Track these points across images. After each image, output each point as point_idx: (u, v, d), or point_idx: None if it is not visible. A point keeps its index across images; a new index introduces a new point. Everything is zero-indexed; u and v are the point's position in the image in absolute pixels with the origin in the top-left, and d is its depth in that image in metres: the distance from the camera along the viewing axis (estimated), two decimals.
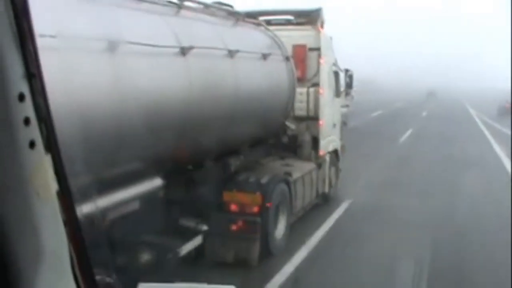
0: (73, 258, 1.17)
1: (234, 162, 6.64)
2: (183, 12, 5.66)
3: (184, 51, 4.95)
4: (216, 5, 6.93)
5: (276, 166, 7.94)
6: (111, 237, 3.71)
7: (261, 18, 8.67)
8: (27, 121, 1.02)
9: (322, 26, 9.04)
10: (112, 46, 3.99)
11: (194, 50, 5.11)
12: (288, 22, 9.29)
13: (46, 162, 1.08)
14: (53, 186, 1.12)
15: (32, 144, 1.03)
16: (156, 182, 4.65)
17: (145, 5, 5.00)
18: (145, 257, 4.53)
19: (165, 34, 4.91)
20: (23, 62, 0.99)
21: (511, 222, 7.01)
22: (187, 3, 5.95)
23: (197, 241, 5.32)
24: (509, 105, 33.95)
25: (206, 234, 5.63)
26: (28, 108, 1.02)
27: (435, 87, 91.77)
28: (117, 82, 4.08)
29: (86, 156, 3.18)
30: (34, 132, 1.04)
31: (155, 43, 4.50)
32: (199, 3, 6.44)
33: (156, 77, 4.64)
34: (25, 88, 1.00)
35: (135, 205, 4.55)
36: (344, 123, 11.03)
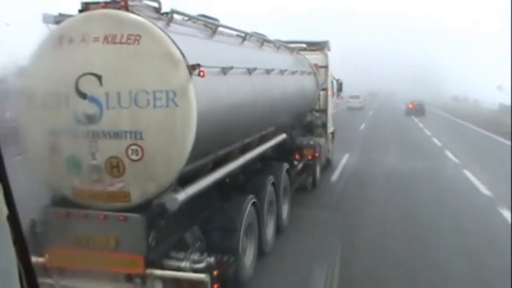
0: (21, 273, 1.32)
1: (293, 133, 11.66)
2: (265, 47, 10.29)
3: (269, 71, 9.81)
4: (281, 42, 11.73)
5: (305, 138, 12.97)
6: None
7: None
8: None
9: (328, 51, 14.19)
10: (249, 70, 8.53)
11: (274, 71, 9.75)
12: (304, 49, 14.31)
13: None
14: (4, 211, 1.22)
15: None
16: (281, 136, 9.54)
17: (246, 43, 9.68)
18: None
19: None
20: None
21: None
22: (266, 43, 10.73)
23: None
24: (411, 106, 48.45)
25: None
26: None
27: (375, 89, 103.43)
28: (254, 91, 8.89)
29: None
30: None
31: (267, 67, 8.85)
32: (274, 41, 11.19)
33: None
34: None
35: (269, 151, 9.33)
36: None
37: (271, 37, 11.90)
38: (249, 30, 8.53)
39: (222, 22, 7.50)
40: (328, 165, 14.72)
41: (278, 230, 8.29)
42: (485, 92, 76.60)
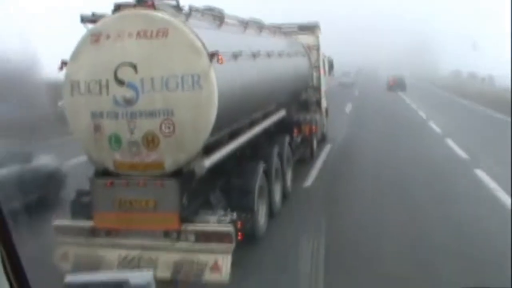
0: (4, 261, 1.33)
1: (291, 110, 12.67)
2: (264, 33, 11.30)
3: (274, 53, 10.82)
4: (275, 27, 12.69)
5: (302, 114, 13.99)
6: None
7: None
8: None
9: (319, 33, 15.13)
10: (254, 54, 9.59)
11: (274, 54, 10.79)
12: (296, 32, 15.23)
13: None
14: None
15: None
16: (282, 113, 10.55)
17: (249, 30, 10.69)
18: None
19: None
20: None
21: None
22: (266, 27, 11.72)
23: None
24: (392, 81, 50.55)
25: None
26: None
27: (362, 66, 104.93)
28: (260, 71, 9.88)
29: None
30: None
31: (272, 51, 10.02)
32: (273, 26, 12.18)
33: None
34: None
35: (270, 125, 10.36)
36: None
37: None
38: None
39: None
40: (323, 139, 15.77)
41: (284, 195, 9.37)
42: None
